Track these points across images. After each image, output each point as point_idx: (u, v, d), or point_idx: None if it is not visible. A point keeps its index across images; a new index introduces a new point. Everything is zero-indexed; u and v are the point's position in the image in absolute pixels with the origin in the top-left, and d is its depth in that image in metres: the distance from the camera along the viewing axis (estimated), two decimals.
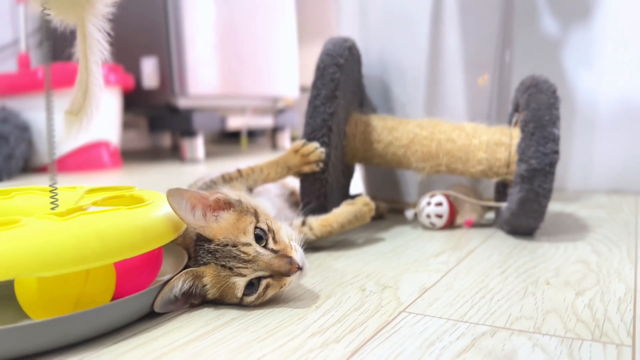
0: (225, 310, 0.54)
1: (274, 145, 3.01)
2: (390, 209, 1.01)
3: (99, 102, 0.63)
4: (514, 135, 0.81)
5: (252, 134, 3.62)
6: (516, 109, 0.87)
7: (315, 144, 0.77)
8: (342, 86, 0.80)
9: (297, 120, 3.19)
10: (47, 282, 0.45)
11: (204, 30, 2.34)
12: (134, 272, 0.54)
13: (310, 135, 0.78)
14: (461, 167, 0.83)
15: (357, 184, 1.15)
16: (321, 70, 0.81)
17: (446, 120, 0.87)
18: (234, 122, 2.57)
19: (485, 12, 0.99)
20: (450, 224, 0.87)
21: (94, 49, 0.63)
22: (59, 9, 0.59)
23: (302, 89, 3.32)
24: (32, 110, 2.06)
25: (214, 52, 2.38)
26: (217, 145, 3.44)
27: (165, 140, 3.39)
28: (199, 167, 2.18)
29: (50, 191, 0.58)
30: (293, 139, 3.54)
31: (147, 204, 0.54)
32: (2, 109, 2.00)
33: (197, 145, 2.35)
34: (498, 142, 0.81)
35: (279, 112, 2.91)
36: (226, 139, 3.66)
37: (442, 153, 0.83)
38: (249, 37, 2.59)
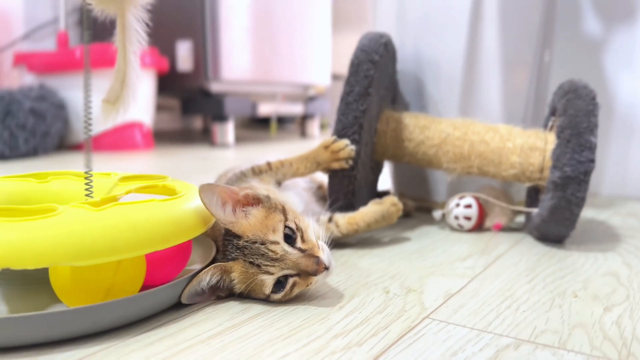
0: (250, 304, 0.55)
1: (303, 133, 3.02)
2: (418, 207, 1.01)
3: (136, 91, 0.64)
4: (549, 140, 0.80)
5: (282, 120, 3.64)
6: (553, 112, 0.85)
7: (345, 141, 0.77)
8: (375, 83, 0.80)
9: (328, 108, 3.19)
10: (80, 271, 0.46)
11: (239, 15, 2.35)
12: (164, 262, 0.55)
13: (341, 132, 0.78)
14: (493, 170, 0.82)
15: (385, 180, 1.14)
16: (355, 66, 0.80)
17: (480, 121, 0.86)
18: (265, 109, 2.58)
19: (527, 11, 0.97)
20: (479, 227, 0.87)
21: (133, 39, 0.64)
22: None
23: (334, 77, 3.31)
24: (69, 88, 2.10)
25: (248, 38, 2.39)
26: (247, 130, 3.46)
27: (197, 122, 3.43)
28: (229, 152, 2.21)
29: (86, 178, 0.60)
30: (322, 126, 3.54)
31: (179, 196, 0.55)
32: (41, 87, 2.04)
33: (228, 130, 2.37)
34: (532, 147, 0.80)
35: (309, 99, 2.91)
36: (256, 124, 3.68)
37: (475, 155, 0.82)
38: (283, 24, 2.59)
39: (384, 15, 1.07)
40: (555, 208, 0.73)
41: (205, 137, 2.93)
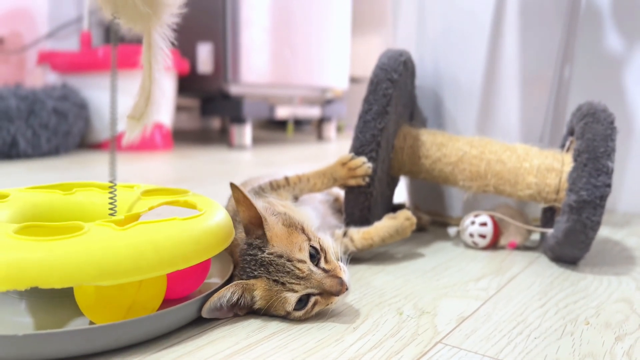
0: (266, 322, 0.56)
1: (320, 136, 3.03)
2: (433, 222, 1.02)
3: (159, 109, 0.66)
4: (566, 161, 0.80)
5: (299, 122, 3.65)
6: (570, 132, 0.85)
7: (363, 159, 0.78)
8: (394, 101, 0.81)
9: (345, 111, 3.19)
10: (104, 288, 0.48)
11: (259, 19, 2.37)
12: (184, 277, 0.56)
13: (358, 149, 0.79)
14: (509, 190, 0.82)
15: (401, 193, 1.15)
16: (374, 85, 0.81)
17: (497, 140, 0.87)
18: (283, 111, 2.60)
19: (548, 26, 0.97)
20: (494, 245, 0.87)
21: (158, 57, 0.65)
22: (128, 18, 0.61)
23: (352, 80, 3.32)
24: (90, 88, 2.13)
25: (267, 42, 2.41)
26: (264, 131, 3.48)
27: (215, 123, 3.46)
28: (246, 155, 2.23)
29: (110, 192, 0.62)
30: (339, 128, 3.55)
31: (200, 214, 0.57)
32: (63, 86, 2.08)
33: (246, 132, 2.39)
34: (549, 168, 0.80)
35: (326, 102, 2.92)
36: (273, 125, 3.70)
37: (491, 174, 0.82)
38: (302, 27, 2.60)
39: (403, 30, 1.08)
40: (570, 231, 0.74)
41: (222, 137, 2.95)
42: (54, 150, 1.91)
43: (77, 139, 2.04)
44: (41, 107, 1.82)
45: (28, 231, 0.49)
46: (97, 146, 2.18)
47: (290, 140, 2.99)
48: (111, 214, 0.62)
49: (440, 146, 0.86)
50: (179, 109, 2.79)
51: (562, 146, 0.87)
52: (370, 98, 0.80)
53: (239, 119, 2.37)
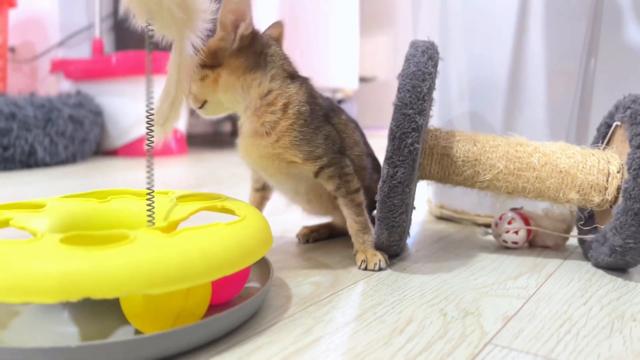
0: (311, 325, 0.55)
1: None
2: (459, 220, 1.01)
3: (182, 115, 0.66)
4: (612, 171, 0.76)
5: None
6: (607, 127, 0.81)
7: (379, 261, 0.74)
8: (421, 145, 0.72)
9: (355, 111, 3.19)
10: (152, 297, 0.48)
11: (268, 20, 2.36)
12: (227, 281, 0.56)
13: (386, 214, 0.71)
14: (549, 202, 0.79)
15: (424, 191, 1.14)
16: (397, 140, 0.68)
17: (531, 142, 0.80)
18: None
19: (573, 20, 0.96)
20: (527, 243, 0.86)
21: (187, 63, 0.65)
22: (163, 24, 0.61)
23: (362, 80, 3.31)
24: (104, 95, 2.14)
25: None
26: None
27: (226, 125, 3.46)
28: None
29: (148, 199, 0.61)
30: None
31: (242, 219, 0.56)
32: (78, 93, 2.09)
33: None
34: (593, 184, 0.75)
35: (337, 103, 2.92)
36: None
37: (529, 190, 0.78)
38: (311, 29, 2.60)
39: (425, 27, 1.07)
40: (613, 264, 0.72)
41: (234, 140, 2.95)
42: (71, 158, 1.91)
43: (93, 145, 2.05)
44: (58, 115, 1.83)
45: (73, 240, 0.49)
46: (112, 153, 2.19)
47: None
48: (149, 221, 0.62)
49: (473, 163, 0.79)
50: (192, 112, 2.80)
51: (598, 138, 0.83)
52: (394, 159, 0.69)
53: None
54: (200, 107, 0.74)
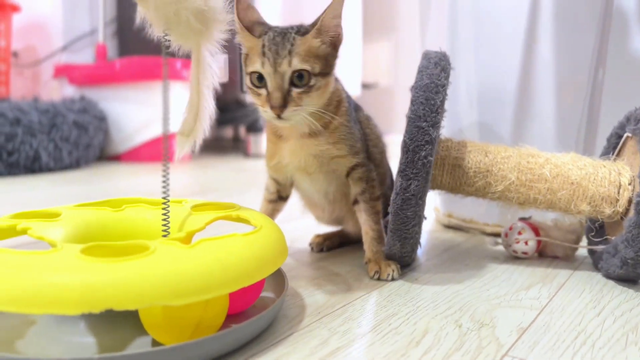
0: (327, 337, 0.56)
1: None
2: (468, 229, 1.01)
3: (208, 125, 0.66)
4: (623, 183, 0.76)
5: None
6: (618, 137, 0.81)
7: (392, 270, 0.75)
8: (433, 154, 0.72)
9: None
10: (172, 308, 0.48)
11: None
12: (244, 292, 0.56)
13: (399, 226, 0.71)
14: (560, 212, 0.79)
15: (432, 199, 1.15)
16: (410, 152, 0.68)
17: (545, 156, 0.80)
18: None
19: (582, 31, 0.96)
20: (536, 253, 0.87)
21: (207, 73, 0.65)
22: (180, 34, 0.61)
23: (364, 86, 3.32)
24: (108, 100, 2.15)
25: None
26: None
27: (228, 131, 3.46)
28: (263, 163, 2.23)
29: (163, 209, 0.61)
30: None
31: (258, 230, 0.57)
32: (82, 98, 2.09)
33: (262, 141, 2.40)
34: (604, 196, 0.76)
35: None
36: None
37: (541, 201, 0.78)
38: None
39: (433, 38, 1.08)
40: (624, 276, 0.72)
41: (236, 145, 2.96)
42: (75, 163, 1.91)
43: (97, 151, 2.05)
44: (62, 121, 1.83)
45: (93, 251, 0.49)
46: (116, 158, 2.19)
47: None
48: (164, 231, 0.62)
49: (485, 174, 0.79)
50: None
51: (608, 148, 0.83)
52: (407, 171, 0.68)
53: (256, 128, 2.37)
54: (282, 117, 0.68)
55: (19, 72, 2.60)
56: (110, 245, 0.50)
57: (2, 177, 1.71)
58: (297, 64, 0.66)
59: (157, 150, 2.15)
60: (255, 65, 0.68)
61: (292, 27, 0.70)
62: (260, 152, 2.40)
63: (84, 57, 2.63)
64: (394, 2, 3.74)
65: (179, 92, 1.89)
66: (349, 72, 2.89)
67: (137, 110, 2.08)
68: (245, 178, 1.83)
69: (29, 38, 2.59)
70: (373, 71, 3.61)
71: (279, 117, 0.67)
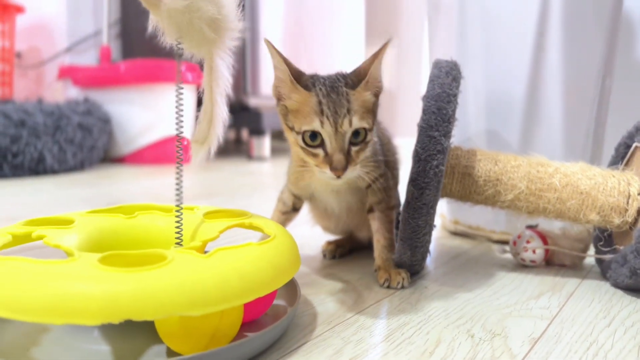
0: (341, 345, 0.56)
1: None
2: (473, 237, 1.01)
3: (221, 133, 0.66)
4: (632, 193, 0.76)
5: None
6: (626, 147, 0.82)
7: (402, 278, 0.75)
8: (445, 164, 0.72)
9: None
10: (188, 318, 0.48)
11: (277, 33, 2.38)
12: (257, 301, 0.56)
13: (410, 235, 0.72)
14: (569, 222, 0.80)
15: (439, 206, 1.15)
16: (422, 162, 0.68)
17: (554, 166, 0.80)
18: None
19: (590, 39, 0.96)
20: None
21: (220, 81, 0.65)
22: (192, 43, 0.62)
23: None
24: (112, 102, 2.15)
25: (285, 54, 2.41)
26: (279, 141, 3.48)
27: (230, 134, 3.47)
28: (266, 166, 2.23)
29: (177, 216, 0.62)
30: None
31: (273, 239, 0.57)
32: (86, 100, 2.09)
33: (265, 144, 2.40)
34: (614, 206, 0.76)
35: None
36: None
37: (550, 210, 0.78)
38: (318, 41, 2.61)
39: (441, 45, 1.08)
40: (633, 286, 0.72)
41: (238, 148, 2.96)
42: (79, 165, 1.91)
43: (101, 153, 2.05)
44: (67, 123, 1.83)
45: (110, 261, 0.49)
46: (119, 160, 2.19)
47: None
48: (177, 239, 0.62)
49: (495, 183, 0.79)
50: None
51: (617, 158, 0.84)
52: (419, 180, 0.68)
53: (259, 131, 2.37)
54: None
55: (23, 73, 2.60)
56: (128, 255, 0.50)
57: (7, 179, 1.71)
58: (357, 122, 0.63)
59: (161, 153, 2.16)
60: (313, 125, 0.64)
61: (337, 79, 0.66)
62: (263, 155, 2.40)
63: (88, 58, 2.63)
64: (396, 7, 3.74)
65: (184, 95, 1.89)
66: None
67: (141, 113, 2.08)
68: (249, 181, 1.83)
69: (33, 39, 2.59)
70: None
71: (339, 177, 0.64)
